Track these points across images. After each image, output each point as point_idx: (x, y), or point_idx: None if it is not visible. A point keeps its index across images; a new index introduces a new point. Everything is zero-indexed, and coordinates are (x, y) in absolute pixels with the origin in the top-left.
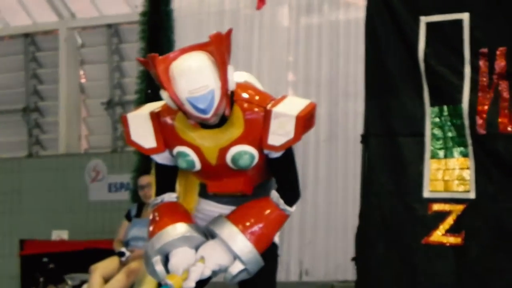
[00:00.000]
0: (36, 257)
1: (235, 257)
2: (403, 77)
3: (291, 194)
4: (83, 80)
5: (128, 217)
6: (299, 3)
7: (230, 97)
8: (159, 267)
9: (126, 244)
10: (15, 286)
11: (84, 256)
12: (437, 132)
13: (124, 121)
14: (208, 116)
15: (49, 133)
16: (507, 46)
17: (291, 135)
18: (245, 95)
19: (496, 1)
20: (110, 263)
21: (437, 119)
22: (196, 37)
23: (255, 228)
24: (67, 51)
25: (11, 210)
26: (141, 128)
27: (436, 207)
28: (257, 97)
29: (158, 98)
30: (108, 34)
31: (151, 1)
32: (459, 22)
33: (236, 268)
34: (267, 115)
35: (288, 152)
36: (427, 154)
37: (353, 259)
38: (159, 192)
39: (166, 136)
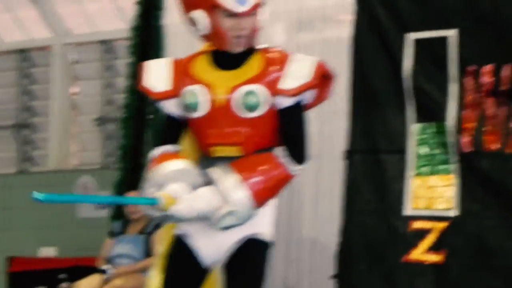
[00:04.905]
0: (24, 274)
1: (227, 199)
2: (388, 94)
3: (297, 152)
4: (75, 96)
5: (112, 234)
6: (290, 20)
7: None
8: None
9: (110, 261)
10: None
11: (72, 273)
12: (422, 149)
13: (141, 68)
14: (244, 8)
15: (40, 149)
16: (494, 63)
17: (307, 78)
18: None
19: (483, 18)
20: (93, 280)
21: (422, 136)
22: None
23: (255, 177)
24: (60, 67)
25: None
26: (158, 72)
27: (418, 224)
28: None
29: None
30: (102, 50)
31: (142, 16)
32: (446, 39)
33: (224, 208)
34: (286, 59)
35: (299, 106)
36: (410, 171)
37: (334, 276)
38: (162, 144)
39: (182, 79)
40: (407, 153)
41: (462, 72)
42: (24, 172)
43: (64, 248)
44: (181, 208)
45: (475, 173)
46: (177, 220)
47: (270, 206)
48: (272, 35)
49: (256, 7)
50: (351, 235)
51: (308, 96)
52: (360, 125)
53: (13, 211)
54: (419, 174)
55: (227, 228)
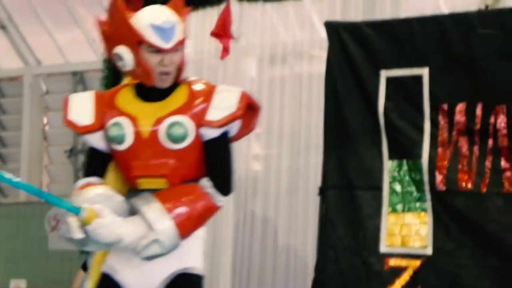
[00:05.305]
0: None
1: (151, 228)
2: (362, 130)
3: (223, 183)
4: (46, 128)
5: (84, 267)
6: (262, 55)
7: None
8: (71, 219)
9: None
10: None
11: None
12: (396, 186)
13: (65, 102)
14: (169, 45)
15: None
16: (467, 102)
17: (233, 109)
18: (194, 79)
19: (454, 57)
20: None
21: (396, 173)
22: None
23: (179, 208)
24: (31, 97)
25: None
26: (81, 106)
27: (393, 262)
28: (205, 81)
29: None
30: (73, 81)
31: None
32: (419, 77)
33: (149, 237)
34: (212, 90)
35: (225, 138)
36: (385, 208)
37: None
38: (86, 176)
39: (106, 112)
40: (382, 190)
41: (435, 110)
42: None
43: (34, 280)
44: (102, 224)
45: (449, 211)
46: (96, 243)
47: (198, 239)
48: (244, 68)
49: (181, 43)
50: (325, 271)
51: (234, 127)
52: (334, 161)
53: None
54: (393, 211)
55: (150, 258)
